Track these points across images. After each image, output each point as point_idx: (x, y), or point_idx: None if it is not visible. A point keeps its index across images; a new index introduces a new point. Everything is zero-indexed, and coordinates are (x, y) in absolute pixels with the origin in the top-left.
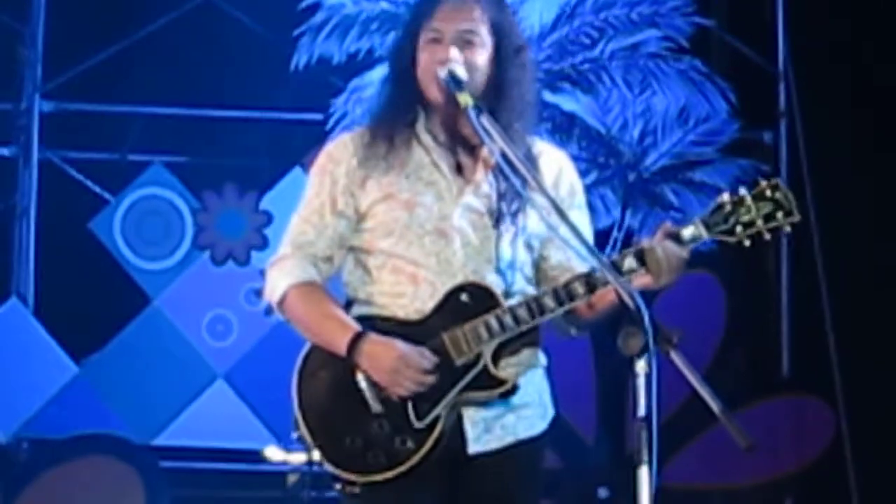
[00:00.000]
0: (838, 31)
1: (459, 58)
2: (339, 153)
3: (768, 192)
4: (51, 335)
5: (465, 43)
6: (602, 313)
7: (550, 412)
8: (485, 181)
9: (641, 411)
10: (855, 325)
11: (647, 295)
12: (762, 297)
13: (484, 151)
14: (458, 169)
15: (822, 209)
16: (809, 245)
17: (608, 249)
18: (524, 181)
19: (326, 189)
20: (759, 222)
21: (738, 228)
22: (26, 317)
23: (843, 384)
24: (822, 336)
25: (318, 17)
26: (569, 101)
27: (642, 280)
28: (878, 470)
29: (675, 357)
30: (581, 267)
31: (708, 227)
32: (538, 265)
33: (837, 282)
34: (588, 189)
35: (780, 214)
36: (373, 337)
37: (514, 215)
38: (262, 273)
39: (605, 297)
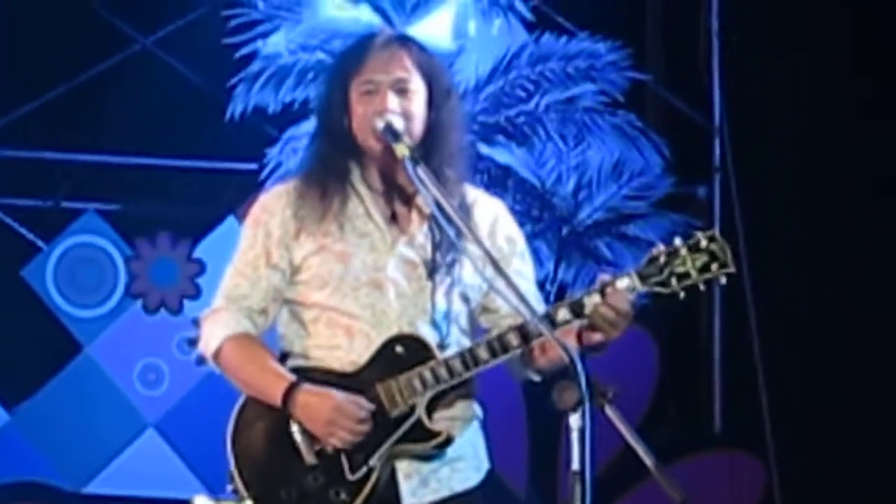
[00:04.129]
0: (774, 86)
1: (398, 108)
2: (272, 205)
3: (703, 244)
4: None
5: (401, 92)
6: (557, 359)
7: (485, 465)
8: (420, 231)
9: (575, 465)
10: (787, 381)
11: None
12: (694, 353)
13: (420, 201)
14: (393, 218)
15: (756, 265)
16: (742, 300)
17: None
18: (459, 232)
19: (260, 241)
20: (694, 274)
21: (673, 280)
22: None
23: (775, 441)
24: (755, 392)
25: (254, 66)
26: (503, 154)
27: (595, 337)
28: None
29: (610, 412)
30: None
31: (642, 278)
32: (489, 318)
33: (770, 337)
34: None
35: (714, 266)
36: (308, 387)
37: (450, 266)
38: (194, 322)
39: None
